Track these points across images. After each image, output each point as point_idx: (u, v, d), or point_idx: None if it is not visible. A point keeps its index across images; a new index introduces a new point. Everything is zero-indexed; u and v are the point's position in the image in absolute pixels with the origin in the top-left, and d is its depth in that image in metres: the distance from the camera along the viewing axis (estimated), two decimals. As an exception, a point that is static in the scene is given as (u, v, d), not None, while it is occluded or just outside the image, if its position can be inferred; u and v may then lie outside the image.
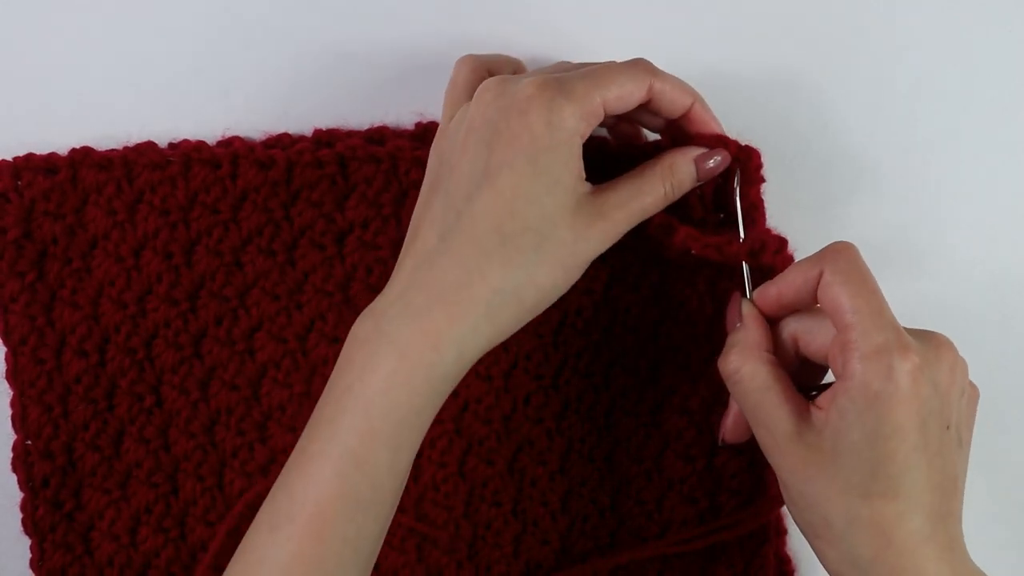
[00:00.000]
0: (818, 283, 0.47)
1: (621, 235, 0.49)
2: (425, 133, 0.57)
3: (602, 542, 0.59)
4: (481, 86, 0.48)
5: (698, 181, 0.51)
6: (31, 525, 0.57)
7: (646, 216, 0.50)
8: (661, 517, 0.58)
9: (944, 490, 0.47)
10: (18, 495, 0.57)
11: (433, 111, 0.58)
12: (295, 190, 0.56)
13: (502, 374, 0.57)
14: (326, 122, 0.58)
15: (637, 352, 0.58)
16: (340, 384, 0.47)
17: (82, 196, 0.56)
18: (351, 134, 0.58)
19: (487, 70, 0.52)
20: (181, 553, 0.58)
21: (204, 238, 0.56)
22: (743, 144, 0.52)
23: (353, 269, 0.57)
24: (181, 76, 0.57)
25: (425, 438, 0.49)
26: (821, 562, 0.49)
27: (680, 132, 0.52)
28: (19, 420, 0.56)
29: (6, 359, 0.57)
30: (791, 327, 0.50)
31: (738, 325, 0.51)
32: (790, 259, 0.52)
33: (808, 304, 0.49)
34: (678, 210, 0.53)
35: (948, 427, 0.46)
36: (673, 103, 0.49)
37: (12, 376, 0.56)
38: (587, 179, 0.49)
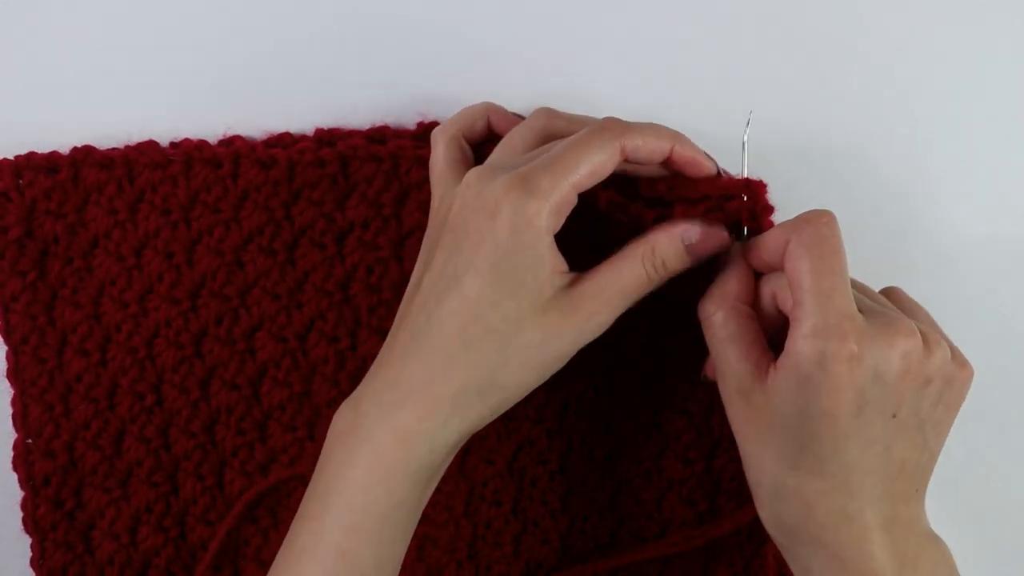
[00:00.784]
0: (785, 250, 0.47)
1: (606, 324, 0.49)
2: (426, 133, 0.57)
3: (602, 542, 0.59)
4: (464, 180, 0.49)
5: (692, 261, 0.49)
6: (31, 524, 0.57)
7: (630, 302, 0.49)
8: (660, 517, 0.58)
9: (884, 474, 0.47)
10: (18, 494, 0.57)
11: (433, 111, 0.58)
12: (296, 189, 0.56)
13: (502, 374, 0.57)
14: (327, 122, 0.58)
15: (638, 353, 0.57)
16: (322, 480, 0.49)
17: (83, 195, 0.56)
18: (352, 133, 0.58)
19: (459, 142, 0.54)
20: (181, 552, 0.58)
21: (205, 237, 0.57)
22: (747, 179, 0.50)
23: (353, 269, 0.57)
24: (182, 75, 0.57)
25: None
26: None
27: (676, 179, 0.50)
28: (20, 419, 0.57)
29: (7, 358, 0.57)
30: (771, 283, 0.49)
31: (723, 273, 0.50)
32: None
33: (782, 267, 0.48)
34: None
35: (894, 415, 0.46)
36: (651, 155, 0.48)
37: (13, 375, 0.57)
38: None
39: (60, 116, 0.57)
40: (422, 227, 0.57)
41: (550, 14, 0.58)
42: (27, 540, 0.57)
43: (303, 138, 0.58)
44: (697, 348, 0.57)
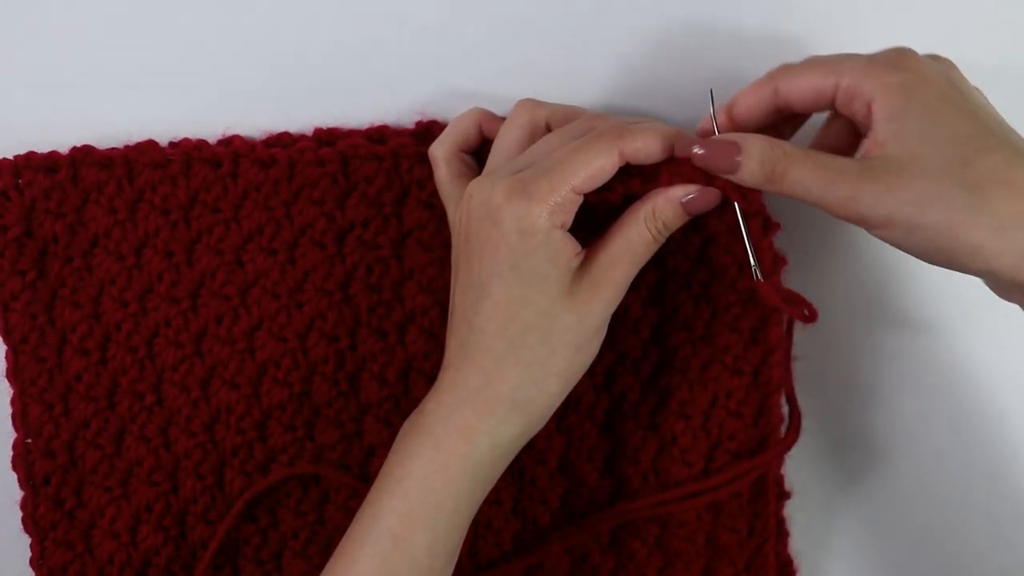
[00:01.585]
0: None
1: (627, 287, 0.51)
2: (426, 132, 0.57)
3: (602, 540, 0.59)
4: (466, 193, 0.51)
5: (689, 215, 0.51)
6: (31, 523, 0.57)
7: (642, 263, 0.51)
8: (659, 518, 0.58)
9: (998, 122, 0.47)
10: (18, 493, 0.57)
11: (433, 111, 0.58)
12: (296, 188, 0.56)
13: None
14: (326, 122, 0.58)
15: (638, 353, 0.57)
16: (384, 471, 0.51)
17: (83, 195, 0.56)
18: (352, 133, 0.58)
19: (458, 156, 0.55)
20: (181, 551, 0.58)
21: (205, 237, 0.57)
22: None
23: (353, 268, 0.57)
24: (181, 75, 0.57)
25: None
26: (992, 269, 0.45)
27: (654, 168, 0.51)
28: (20, 418, 0.57)
29: (7, 357, 0.57)
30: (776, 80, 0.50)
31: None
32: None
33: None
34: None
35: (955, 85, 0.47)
36: (651, 156, 0.50)
37: (13, 374, 0.57)
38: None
39: (59, 116, 0.57)
40: (422, 226, 0.57)
41: (550, 13, 0.58)
42: (27, 539, 0.57)
43: (302, 137, 0.58)
44: (694, 352, 0.57)
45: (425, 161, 0.55)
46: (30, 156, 0.56)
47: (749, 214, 0.51)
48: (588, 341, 0.51)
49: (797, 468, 0.60)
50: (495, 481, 0.52)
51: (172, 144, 0.57)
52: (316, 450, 0.58)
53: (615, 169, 0.49)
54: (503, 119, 0.54)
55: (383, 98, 0.58)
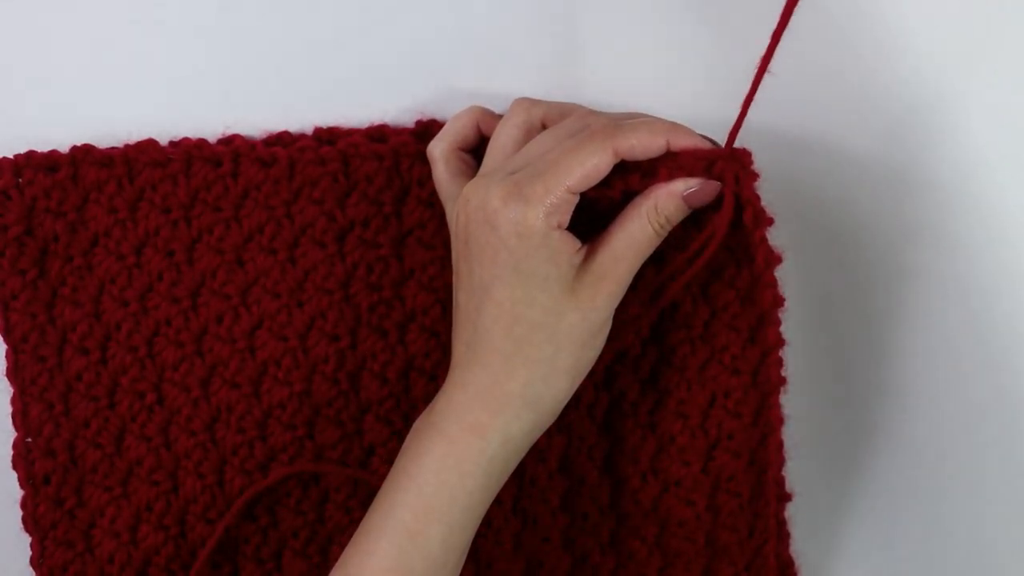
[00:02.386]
0: None
1: (629, 282, 0.51)
2: (426, 131, 0.57)
3: (602, 540, 0.59)
4: (462, 194, 0.51)
5: (691, 208, 0.51)
6: (31, 523, 0.57)
7: (644, 259, 0.51)
8: (658, 517, 0.58)
9: None
10: (18, 492, 0.57)
11: (433, 111, 0.58)
12: (296, 187, 0.56)
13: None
14: (325, 121, 0.58)
15: (638, 351, 0.57)
16: (397, 468, 0.51)
17: (83, 194, 0.56)
18: (352, 132, 0.58)
19: (456, 154, 0.55)
20: (181, 551, 0.58)
21: (205, 236, 0.57)
22: (737, 147, 0.51)
23: (354, 267, 0.57)
24: (181, 74, 0.57)
25: None
26: None
27: (650, 164, 0.51)
28: (20, 417, 0.57)
29: (7, 356, 0.57)
30: None
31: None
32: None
33: None
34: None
35: None
36: (647, 152, 0.50)
37: (13, 373, 0.56)
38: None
39: (60, 115, 0.57)
40: (423, 225, 0.57)
41: (549, 13, 0.58)
42: (27, 539, 0.57)
43: (302, 137, 0.58)
44: (693, 352, 0.57)
45: (426, 160, 0.56)
46: (30, 155, 0.56)
47: (744, 203, 0.51)
48: (593, 337, 0.51)
49: (798, 469, 0.60)
50: (507, 476, 0.52)
51: (172, 143, 0.57)
52: (316, 449, 0.58)
53: (610, 167, 0.49)
54: (501, 117, 0.55)
55: (383, 97, 0.58)
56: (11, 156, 0.56)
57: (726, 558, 0.58)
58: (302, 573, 0.58)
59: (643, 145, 0.50)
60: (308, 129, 0.58)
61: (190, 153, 0.56)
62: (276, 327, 0.57)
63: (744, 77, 0.57)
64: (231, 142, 0.57)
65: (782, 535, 0.59)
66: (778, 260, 0.53)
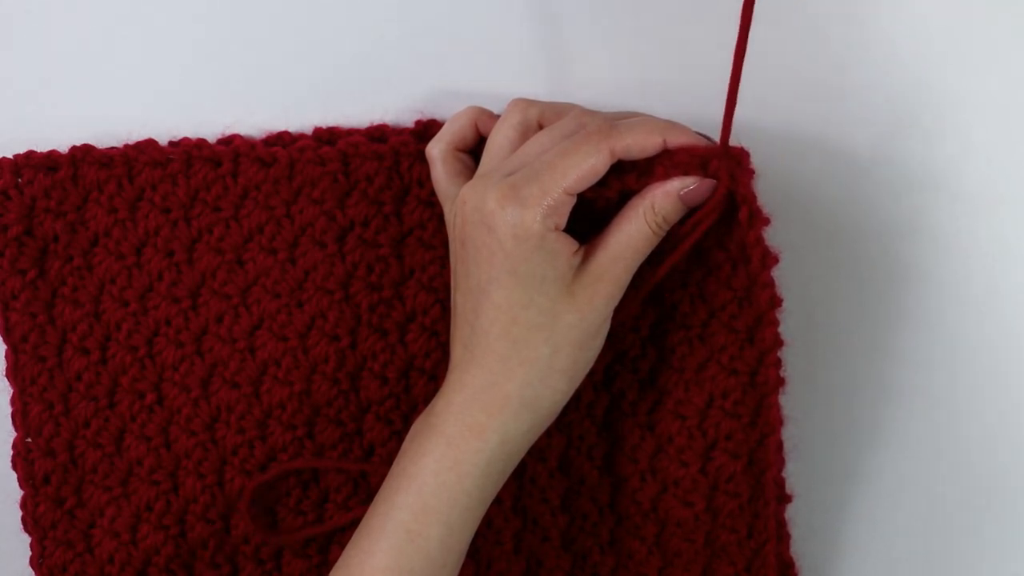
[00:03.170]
0: None
1: (628, 282, 0.51)
2: (426, 131, 0.57)
3: (602, 539, 0.59)
4: (459, 196, 0.51)
5: (687, 207, 0.51)
6: (31, 523, 0.57)
7: (643, 258, 0.51)
8: (657, 517, 0.58)
9: None
10: (18, 492, 0.57)
11: (432, 111, 0.58)
12: (296, 187, 0.56)
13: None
14: (325, 121, 0.58)
15: (637, 351, 0.57)
16: (396, 470, 0.52)
17: (83, 194, 0.56)
18: (352, 132, 0.58)
19: (454, 155, 0.55)
20: (181, 550, 0.58)
21: (205, 236, 0.57)
22: (733, 145, 0.51)
23: (354, 267, 0.57)
24: (181, 74, 0.57)
25: None
26: None
27: (646, 163, 0.51)
28: (20, 417, 0.57)
29: (7, 356, 0.57)
30: None
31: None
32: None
33: None
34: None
35: None
36: (643, 152, 0.50)
37: (13, 373, 0.56)
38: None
39: (59, 114, 0.57)
40: (423, 225, 0.57)
41: (549, 12, 0.58)
42: (27, 539, 0.57)
43: (302, 136, 0.58)
44: (691, 352, 0.57)
45: (426, 160, 0.56)
46: (30, 155, 0.56)
47: (739, 202, 0.51)
48: (592, 338, 0.51)
49: (798, 470, 0.60)
50: (506, 477, 0.52)
51: (172, 143, 0.57)
52: (316, 449, 0.58)
53: (606, 168, 0.49)
54: (499, 117, 0.55)
55: (383, 97, 0.58)
56: (11, 156, 0.56)
57: (725, 558, 0.58)
58: (302, 573, 0.58)
59: (639, 145, 0.50)
60: (308, 129, 0.58)
61: (190, 153, 0.56)
62: (276, 327, 0.57)
63: (743, 76, 0.57)
64: (231, 142, 0.57)
65: (782, 536, 0.59)
66: (775, 260, 0.53)
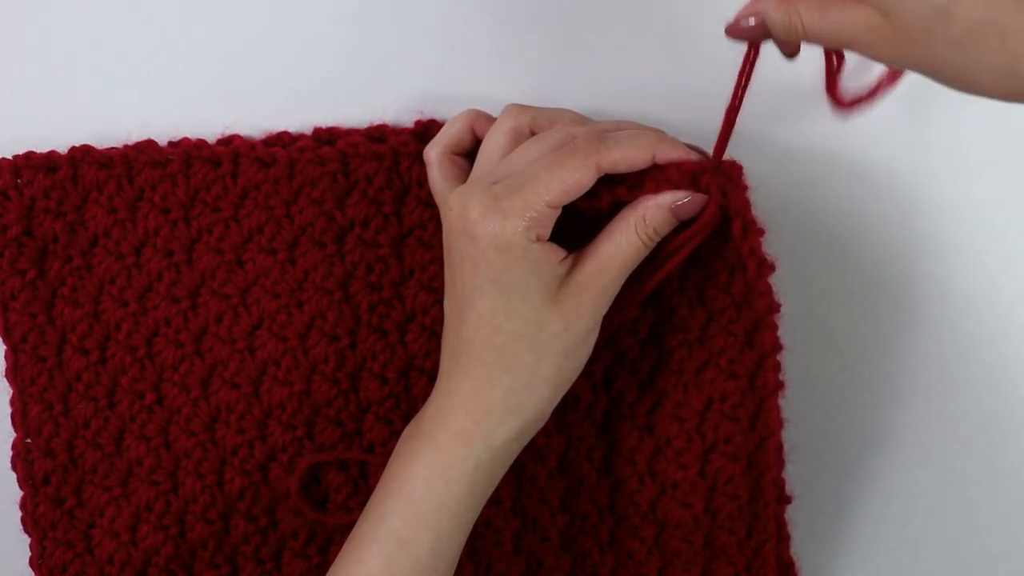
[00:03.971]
0: None
1: (615, 292, 0.51)
2: (425, 131, 0.57)
3: (602, 540, 0.59)
4: (447, 203, 0.51)
5: (678, 221, 0.51)
6: (31, 523, 0.57)
7: (631, 269, 0.51)
8: (656, 518, 0.58)
9: None
10: (18, 493, 0.57)
11: (432, 111, 0.58)
12: (296, 187, 0.56)
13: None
14: (325, 121, 0.58)
15: (636, 353, 0.57)
16: (387, 475, 0.52)
17: (82, 194, 0.56)
18: (352, 132, 0.58)
19: (450, 158, 0.55)
20: (181, 551, 0.58)
21: (205, 236, 0.57)
22: (725, 159, 0.51)
23: (353, 267, 0.57)
24: (181, 75, 0.57)
25: None
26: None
27: (638, 176, 0.51)
28: (19, 418, 0.57)
29: (6, 357, 0.57)
30: None
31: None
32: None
33: None
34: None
35: None
36: (632, 166, 0.50)
37: (12, 374, 0.56)
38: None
39: (59, 115, 0.57)
40: (422, 225, 0.57)
41: (549, 14, 0.58)
42: (26, 539, 0.57)
43: (302, 136, 0.58)
44: (690, 355, 0.57)
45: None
46: (29, 155, 0.56)
47: (732, 215, 0.51)
48: (577, 346, 0.51)
49: (798, 471, 0.60)
50: (497, 481, 0.52)
51: (172, 143, 0.57)
52: (316, 449, 0.58)
53: (592, 183, 0.49)
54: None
55: (383, 97, 0.58)
56: (10, 157, 0.56)
57: (725, 558, 0.58)
58: (302, 573, 0.58)
59: (627, 160, 0.50)
60: (308, 129, 0.58)
61: (189, 153, 0.56)
62: (276, 327, 0.57)
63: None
64: (230, 142, 0.57)
65: (782, 536, 0.59)
66: (771, 269, 0.53)
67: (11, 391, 0.57)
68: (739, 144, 0.51)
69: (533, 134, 0.53)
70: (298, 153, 0.56)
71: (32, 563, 0.57)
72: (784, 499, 0.58)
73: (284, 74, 0.58)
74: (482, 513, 0.58)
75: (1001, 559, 0.64)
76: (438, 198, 0.55)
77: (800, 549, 0.60)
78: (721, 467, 0.57)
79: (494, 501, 0.58)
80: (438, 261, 0.57)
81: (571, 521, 0.59)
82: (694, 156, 0.51)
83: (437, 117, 0.57)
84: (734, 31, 0.49)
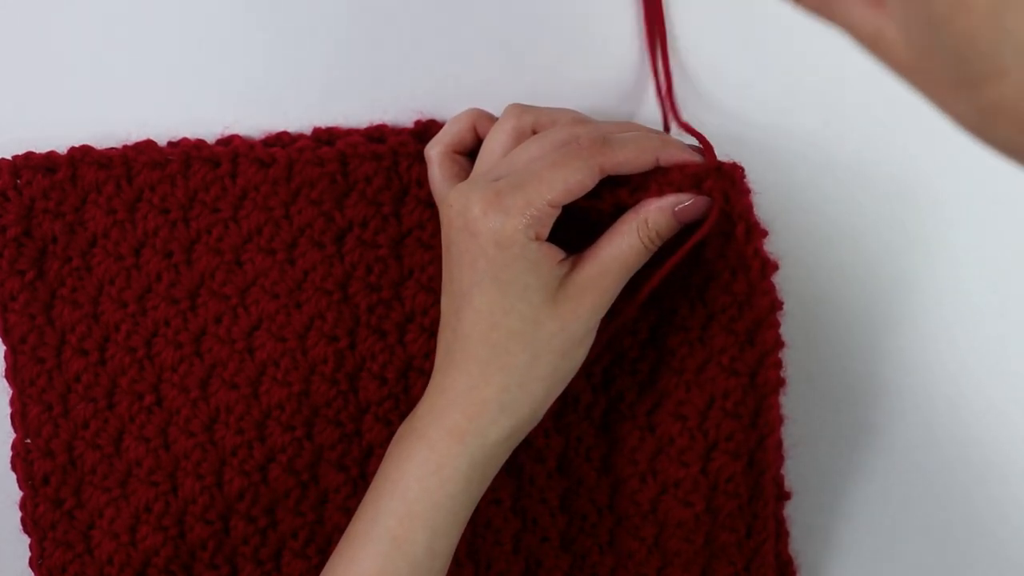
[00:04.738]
0: None
1: (615, 295, 0.51)
2: (425, 131, 0.57)
3: (601, 540, 0.59)
4: (448, 199, 0.51)
5: (680, 224, 0.51)
6: (30, 523, 0.57)
7: (632, 273, 0.51)
8: (656, 518, 0.58)
9: None
10: (17, 493, 0.57)
11: (432, 111, 0.58)
12: (295, 188, 0.56)
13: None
14: (324, 121, 0.58)
15: (636, 353, 0.57)
16: (381, 474, 0.52)
17: (82, 194, 0.56)
18: (351, 132, 0.57)
19: (452, 157, 0.55)
20: (180, 551, 0.58)
21: (204, 236, 0.56)
22: (727, 162, 0.51)
23: (353, 268, 0.57)
24: (180, 75, 0.57)
25: None
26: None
27: (640, 179, 0.51)
28: (18, 418, 0.56)
29: (5, 357, 0.57)
30: None
31: None
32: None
33: None
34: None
35: None
36: (634, 168, 0.50)
37: (11, 374, 0.56)
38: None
39: (58, 115, 0.57)
40: (422, 225, 0.57)
41: (549, 14, 0.58)
42: (26, 540, 0.57)
43: (301, 137, 0.58)
44: (691, 353, 0.57)
45: (425, 160, 0.55)
46: (29, 156, 0.56)
47: (735, 219, 0.51)
48: (574, 348, 0.51)
49: (797, 468, 0.60)
50: (491, 479, 0.52)
51: (171, 144, 0.57)
52: (315, 449, 0.57)
53: (593, 184, 0.50)
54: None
55: (382, 97, 0.58)
56: (9, 157, 0.55)
57: (725, 558, 0.58)
58: (301, 574, 0.58)
59: (630, 163, 0.50)
60: (307, 129, 0.58)
61: (189, 154, 0.56)
62: (275, 328, 0.57)
63: (743, 81, 0.57)
64: (230, 142, 0.57)
65: (781, 534, 0.59)
66: (774, 268, 0.53)
67: (11, 392, 0.57)
68: (740, 145, 0.51)
69: (535, 134, 0.53)
70: (297, 153, 0.56)
71: (32, 563, 0.57)
72: (783, 496, 0.59)
73: (283, 74, 0.58)
74: (482, 513, 0.58)
75: (1000, 557, 0.64)
76: (438, 196, 0.55)
77: (798, 546, 0.60)
78: (723, 465, 0.57)
79: (494, 501, 0.58)
80: (437, 261, 0.57)
81: (571, 521, 0.59)
82: (698, 159, 0.51)
83: (437, 117, 0.57)
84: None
